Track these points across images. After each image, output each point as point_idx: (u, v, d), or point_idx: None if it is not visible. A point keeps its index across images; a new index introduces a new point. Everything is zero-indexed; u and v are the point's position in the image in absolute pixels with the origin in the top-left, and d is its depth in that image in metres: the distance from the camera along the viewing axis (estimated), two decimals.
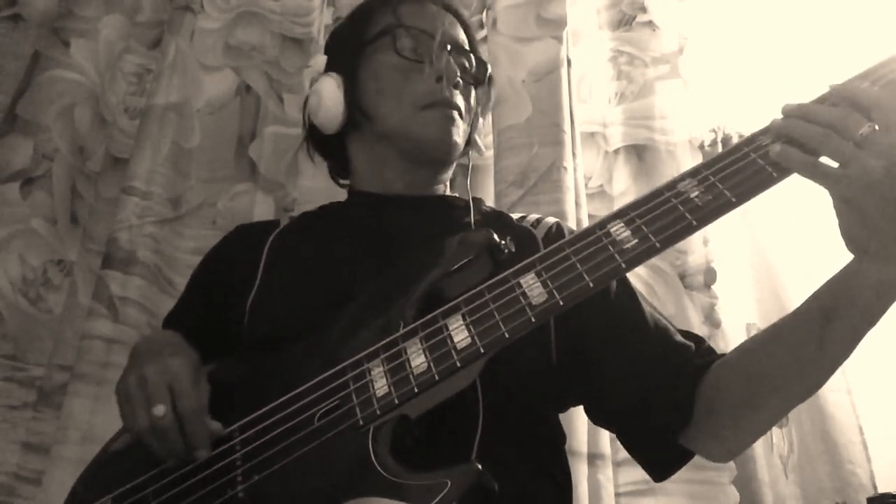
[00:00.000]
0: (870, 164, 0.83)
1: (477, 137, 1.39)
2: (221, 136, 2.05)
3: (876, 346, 1.63)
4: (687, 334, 1.16)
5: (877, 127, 0.85)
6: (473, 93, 1.35)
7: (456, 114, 1.27)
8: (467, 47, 1.36)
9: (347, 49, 1.34)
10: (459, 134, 1.28)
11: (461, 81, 1.29)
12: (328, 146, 1.41)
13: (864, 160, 0.83)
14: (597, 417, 1.22)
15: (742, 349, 1.10)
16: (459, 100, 1.28)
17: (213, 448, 0.98)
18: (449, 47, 1.28)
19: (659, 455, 1.13)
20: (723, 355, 1.12)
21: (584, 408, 1.23)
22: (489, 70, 1.38)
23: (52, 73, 2.17)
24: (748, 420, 1.07)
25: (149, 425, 0.97)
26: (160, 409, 0.96)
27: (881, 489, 1.54)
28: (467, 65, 1.34)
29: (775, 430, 1.68)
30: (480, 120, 1.41)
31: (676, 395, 1.08)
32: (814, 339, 0.96)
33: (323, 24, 2.15)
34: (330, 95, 1.30)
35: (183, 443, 0.97)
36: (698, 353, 1.12)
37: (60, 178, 2.08)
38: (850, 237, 0.90)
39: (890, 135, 0.84)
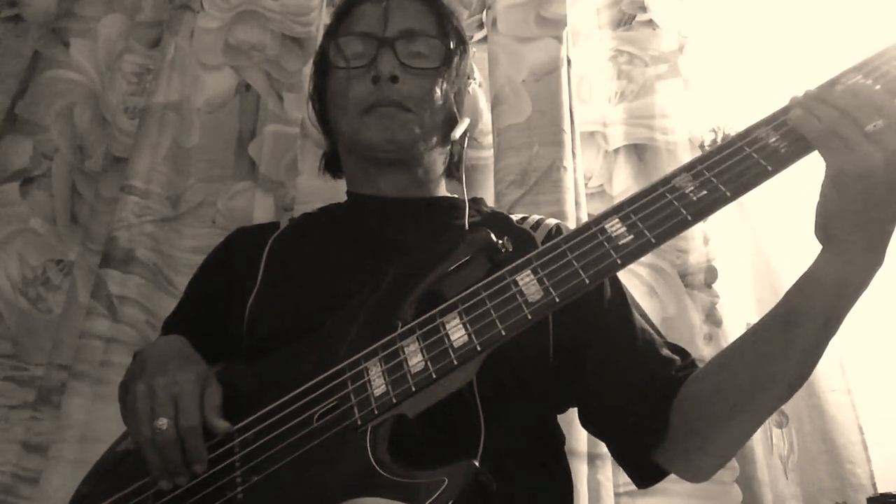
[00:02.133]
0: (873, 153, 0.86)
1: (458, 118, 1.33)
2: (221, 135, 2.05)
3: (876, 346, 1.64)
4: (674, 348, 1.16)
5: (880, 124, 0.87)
6: (445, 75, 1.29)
7: (396, 110, 1.24)
8: (430, 31, 1.31)
9: (315, 69, 1.39)
10: (409, 128, 1.25)
11: (400, 74, 1.24)
12: (328, 158, 1.45)
13: (869, 147, 0.86)
14: (584, 422, 1.22)
15: (711, 362, 1.10)
16: (403, 92, 1.24)
17: (214, 450, 0.98)
18: (392, 41, 1.26)
19: (636, 469, 1.15)
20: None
21: (578, 411, 1.23)
22: (452, 45, 1.32)
23: (51, 72, 2.17)
24: (717, 436, 1.07)
25: (150, 437, 0.97)
26: (163, 423, 0.96)
27: (881, 489, 1.54)
28: (423, 50, 1.29)
29: (775, 430, 1.67)
30: (470, 90, 1.39)
31: (651, 411, 1.09)
32: (779, 345, 0.97)
33: (322, 24, 2.14)
34: (313, 116, 1.38)
35: (180, 458, 0.96)
36: (679, 368, 1.12)
37: (60, 177, 2.08)
38: (825, 221, 0.91)
39: (893, 133, 0.86)
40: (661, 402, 1.09)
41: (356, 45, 1.28)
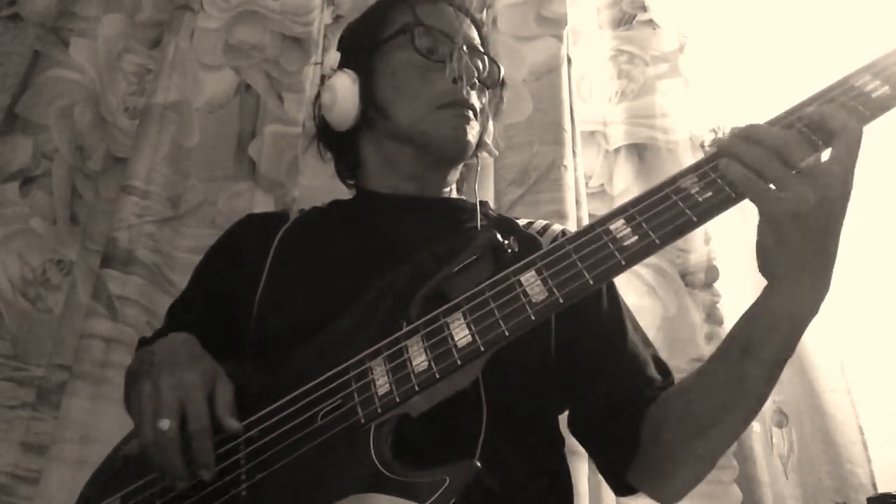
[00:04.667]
0: (804, 193, 0.84)
1: (487, 139, 1.38)
2: (221, 136, 2.05)
3: (876, 346, 1.64)
4: (660, 366, 1.18)
5: (824, 157, 0.86)
6: (486, 94, 1.34)
7: (471, 114, 1.27)
8: (481, 49, 1.36)
9: (363, 46, 1.33)
10: (473, 134, 1.27)
11: (477, 82, 1.29)
12: (339, 143, 1.39)
13: (799, 188, 0.84)
14: (570, 429, 1.23)
15: (675, 388, 1.12)
16: (475, 100, 1.28)
17: (219, 447, 0.98)
18: (465, 48, 1.28)
19: (612, 483, 1.19)
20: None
21: (567, 417, 1.24)
22: (502, 72, 1.38)
23: (51, 72, 2.17)
24: (680, 459, 1.08)
25: (153, 438, 0.96)
26: (165, 424, 0.95)
27: (881, 489, 1.54)
28: (481, 66, 1.33)
29: (775, 430, 1.67)
30: (491, 122, 1.41)
31: (623, 428, 1.11)
32: (734, 374, 0.97)
33: (323, 24, 2.15)
34: (345, 91, 1.30)
35: (182, 461, 0.95)
36: (656, 388, 1.13)
37: (60, 177, 2.08)
38: (765, 260, 0.90)
39: (834, 168, 0.85)
40: (632, 420, 1.10)
41: (429, 39, 1.28)
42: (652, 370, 1.16)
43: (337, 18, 2.13)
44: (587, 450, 1.24)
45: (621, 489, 1.17)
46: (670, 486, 1.13)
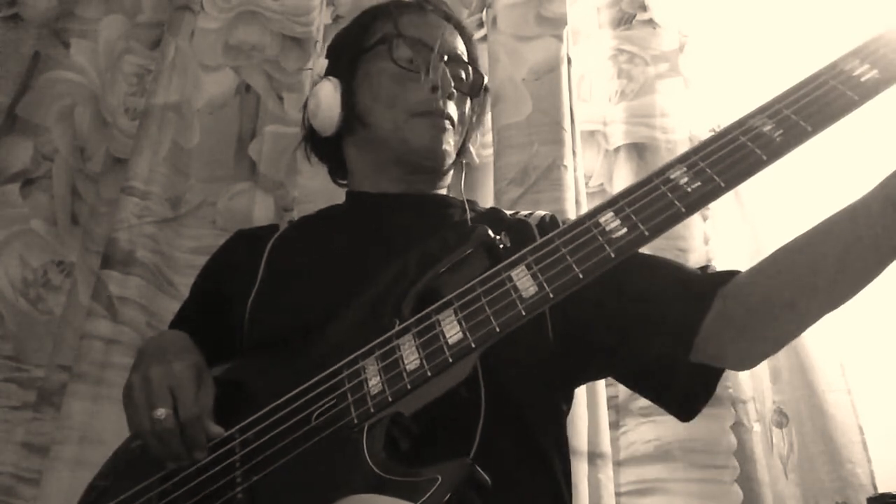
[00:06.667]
0: None
1: (471, 147, 1.40)
2: (221, 136, 2.05)
3: (876, 346, 1.63)
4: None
5: None
6: (469, 103, 1.37)
7: (448, 124, 1.29)
8: (465, 58, 1.38)
9: (347, 55, 1.37)
10: (450, 143, 1.30)
11: (455, 92, 1.31)
12: (326, 148, 1.43)
13: None
14: (623, 375, 1.19)
15: (787, 248, 1.02)
16: (452, 110, 1.30)
17: (214, 450, 0.99)
18: (446, 58, 1.30)
19: (680, 384, 1.10)
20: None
21: (610, 372, 1.21)
22: (485, 81, 1.41)
23: (52, 73, 2.18)
24: (784, 322, 1.02)
25: (150, 428, 0.99)
26: (160, 413, 0.98)
27: (881, 489, 1.53)
28: (463, 75, 1.36)
29: (775, 430, 1.67)
30: (474, 130, 1.43)
31: (693, 298, 1.06)
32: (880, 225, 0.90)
33: (323, 24, 2.16)
34: (327, 99, 1.33)
35: (182, 446, 0.99)
36: (709, 270, 1.11)
37: (60, 178, 2.09)
38: None
39: None
40: (706, 289, 1.05)
41: (408, 50, 1.31)
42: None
43: (337, 19, 2.14)
44: (644, 374, 1.15)
45: (686, 403, 1.10)
46: (758, 349, 1.09)
